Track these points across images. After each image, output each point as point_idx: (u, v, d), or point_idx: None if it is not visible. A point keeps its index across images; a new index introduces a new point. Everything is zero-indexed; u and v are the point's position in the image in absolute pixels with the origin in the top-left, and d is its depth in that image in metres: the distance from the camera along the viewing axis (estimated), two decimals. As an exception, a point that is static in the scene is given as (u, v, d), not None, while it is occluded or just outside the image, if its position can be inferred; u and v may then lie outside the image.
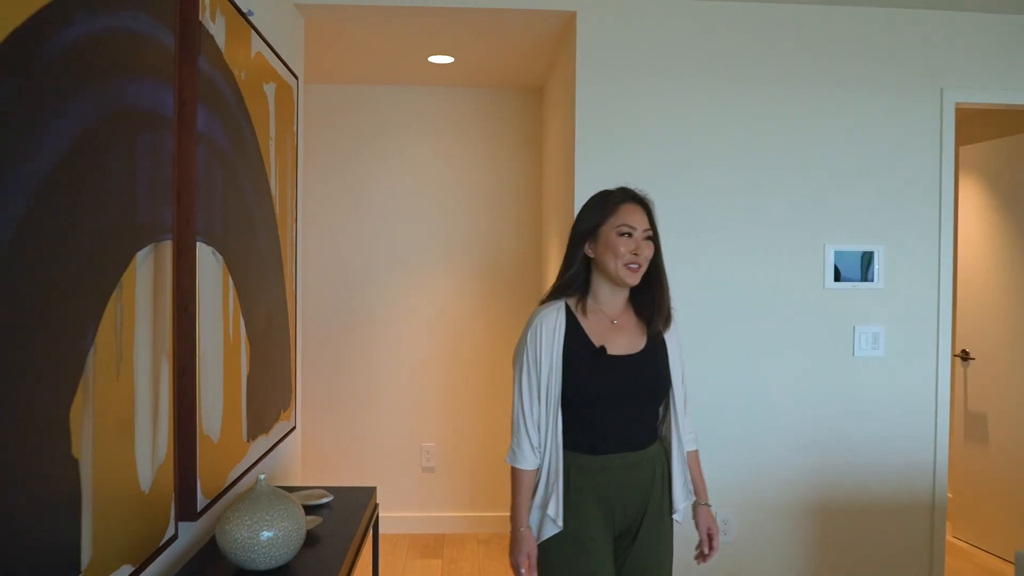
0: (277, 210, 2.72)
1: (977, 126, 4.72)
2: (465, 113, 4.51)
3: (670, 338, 2.04)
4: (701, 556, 2.09)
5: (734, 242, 3.28)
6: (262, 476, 1.89)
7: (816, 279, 3.30)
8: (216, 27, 2.03)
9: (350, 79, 4.36)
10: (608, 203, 1.95)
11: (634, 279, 1.93)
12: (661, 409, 2.05)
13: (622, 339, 1.97)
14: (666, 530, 2.01)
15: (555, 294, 2.00)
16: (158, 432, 1.71)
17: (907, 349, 3.34)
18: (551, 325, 1.95)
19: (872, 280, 3.30)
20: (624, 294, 2.00)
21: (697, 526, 2.10)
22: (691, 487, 2.08)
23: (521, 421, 1.95)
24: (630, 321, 2.01)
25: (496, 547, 4.34)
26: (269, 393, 2.62)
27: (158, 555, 1.72)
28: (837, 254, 3.30)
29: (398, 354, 4.50)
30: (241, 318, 2.29)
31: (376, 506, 2.57)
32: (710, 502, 2.13)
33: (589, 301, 1.98)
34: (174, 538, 1.81)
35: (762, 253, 3.29)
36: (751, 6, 3.26)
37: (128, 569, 1.57)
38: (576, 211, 3.16)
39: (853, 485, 3.35)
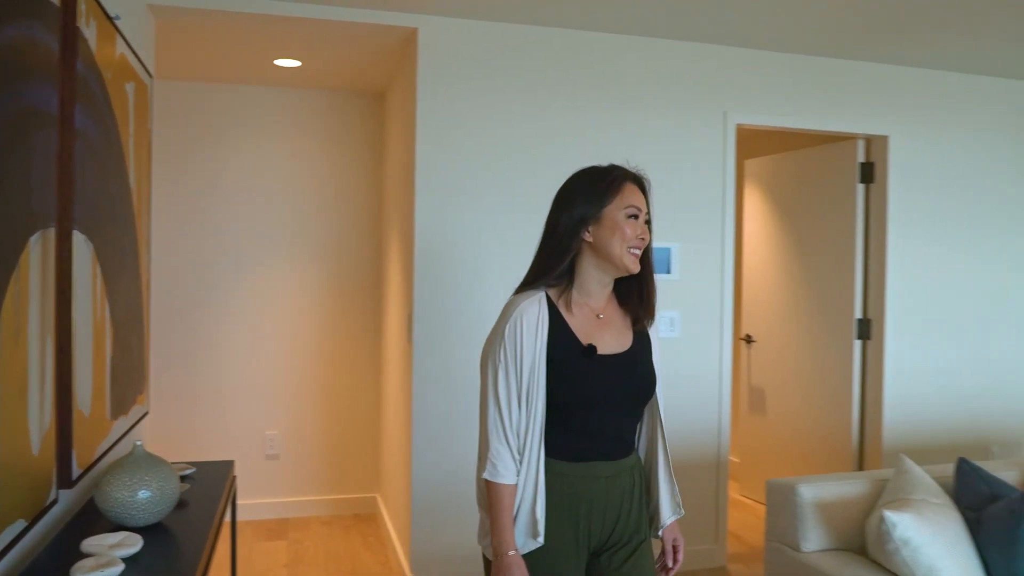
0: (135, 203, 2.86)
1: (761, 142, 5.50)
2: (311, 114, 4.72)
3: (652, 334, 1.88)
4: (665, 570, 1.91)
5: (556, 239, 3.74)
6: (139, 442, 2.09)
7: (625, 272, 3.84)
8: (89, 31, 2.19)
9: (200, 77, 4.45)
10: (612, 182, 1.76)
11: (637, 266, 1.75)
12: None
13: (609, 336, 1.79)
14: (647, 546, 1.84)
15: (534, 283, 1.78)
16: (44, 402, 1.88)
17: (698, 332, 3.95)
18: (533, 318, 1.72)
19: (670, 272, 3.87)
20: (611, 285, 1.82)
21: (663, 538, 1.91)
22: (678, 499, 1.90)
23: (499, 428, 1.71)
24: (615, 315, 1.83)
25: (338, 527, 4.59)
26: (128, 376, 2.76)
27: (43, 516, 1.89)
28: (642, 250, 3.85)
29: (244, 345, 4.64)
30: (107, 303, 2.44)
31: (234, 477, 2.78)
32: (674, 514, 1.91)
33: (574, 293, 1.77)
34: (55, 502, 1.98)
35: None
36: (568, 32, 3.73)
37: (22, 524, 1.74)
38: (417, 209, 3.52)
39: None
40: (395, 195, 4.22)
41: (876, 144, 4.30)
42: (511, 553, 1.68)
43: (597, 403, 1.74)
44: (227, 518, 3.63)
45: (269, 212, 4.67)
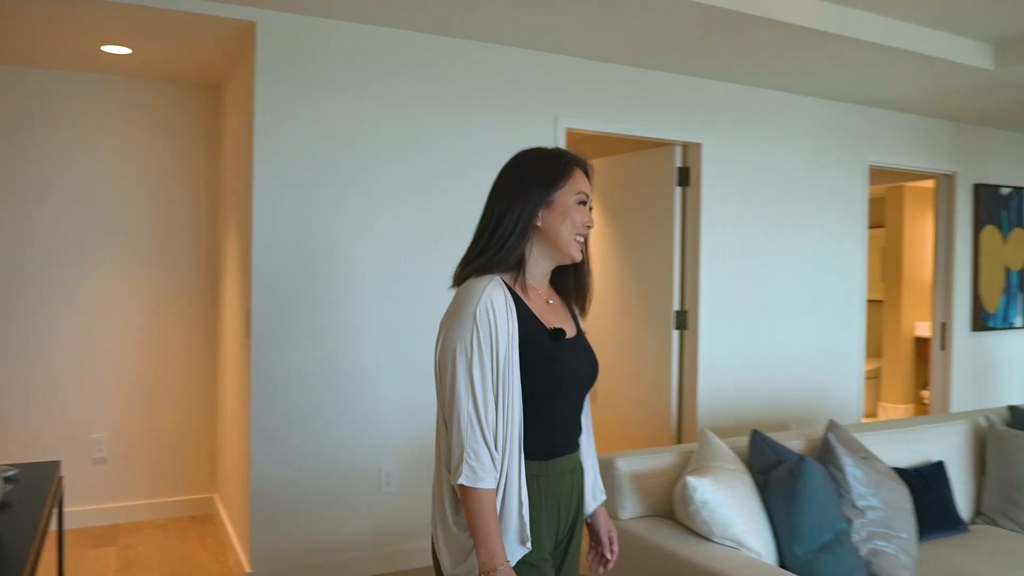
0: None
1: (591, 146, 5.82)
2: (141, 104, 4.54)
3: (581, 323, 1.85)
4: (604, 562, 1.88)
5: (404, 237, 3.84)
6: (-43, 442, 2.01)
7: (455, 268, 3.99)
8: None
9: (10, 60, 4.18)
10: (564, 165, 1.71)
11: (579, 254, 1.71)
12: None
13: (560, 321, 1.73)
14: (580, 536, 1.81)
15: (486, 268, 1.65)
16: None
17: (533, 323, 4.17)
18: (502, 303, 1.59)
19: (506, 268, 4.07)
20: (549, 272, 1.76)
21: (598, 530, 1.89)
22: (600, 484, 1.89)
23: (476, 427, 1.54)
24: (558, 301, 1.79)
25: (174, 530, 4.47)
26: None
27: None
28: (480, 246, 4.02)
29: (68, 344, 4.41)
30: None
31: (61, 478, 2.70)
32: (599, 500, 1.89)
33: (528, 278, 1.70)
34: None
35: (427, 248, 3.89)
36: (406, 34, 3.84)
37: None
38: (255, 206, 3.51)
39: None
40: (233, 190, 4.16)
41: (691, 150, 4.70)
42: (502, 568, 1.51)
43: (562, 390, 1.68)
44: (53, 524, 3.46)
45: (94, 205, 4.46)
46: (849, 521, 2.58)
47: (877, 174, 6.10)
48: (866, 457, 2.79)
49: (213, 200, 4.72)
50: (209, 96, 4.70)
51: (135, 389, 4.58)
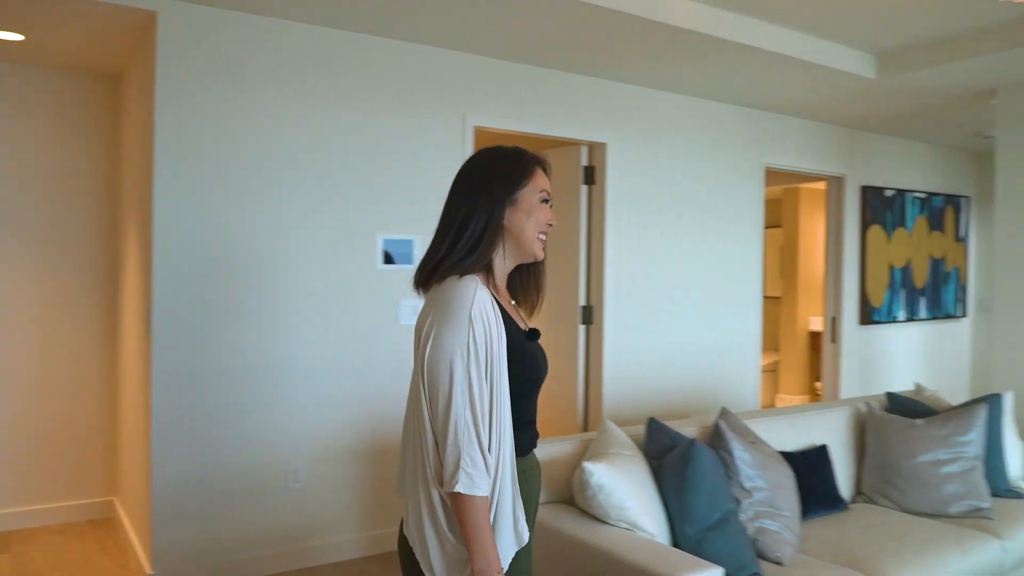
0: None
1: (502, 143, 5.90)
2: (35, 93, 4.37)
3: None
4: None
5: (310, 233, 3.82)
6: None
7: (370, 263, 4.00)
8: None
9: None
10: (526, 163, 1.71)
11: (542, 252, 1.72)
12: None
13: (524, 321, 1.76)
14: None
15: (464, 270, 1.60)
16: None
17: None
18: (490, 302, 1.57)
19: (413, 263, 4.10)
20: (509, 272, 1.75)
21: None
22: None
23: (473, 434, 1.50)
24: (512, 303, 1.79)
25: (71, 535, 4.32)
26: None
27: None
28: (388, 242, 4.04)
29: (-50, 344, 4.21)
30: None
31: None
32: None
33: (496, 278, 1.68)
34: None
35: (325, 241, 3.89)
36: (313, 29, 3.83)
37: None
38: (156, 200, 3.44)
39: (399, 430, 4.11)
40: (133, 184, 4.06)
41: (597, 150, 4.84)
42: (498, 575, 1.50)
43: (536, 388, 1.71)
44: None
45: (-17, 198, 4.27)
46: (737, 502, 2.73)
47: (775, 176, 6.39)
48: (754, 442, 2.96)
49: (112, 194, 4.58)
50: (108, 87, 4.56)
51: (24, 391, 4.40)
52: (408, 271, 4.07)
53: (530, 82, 4.49)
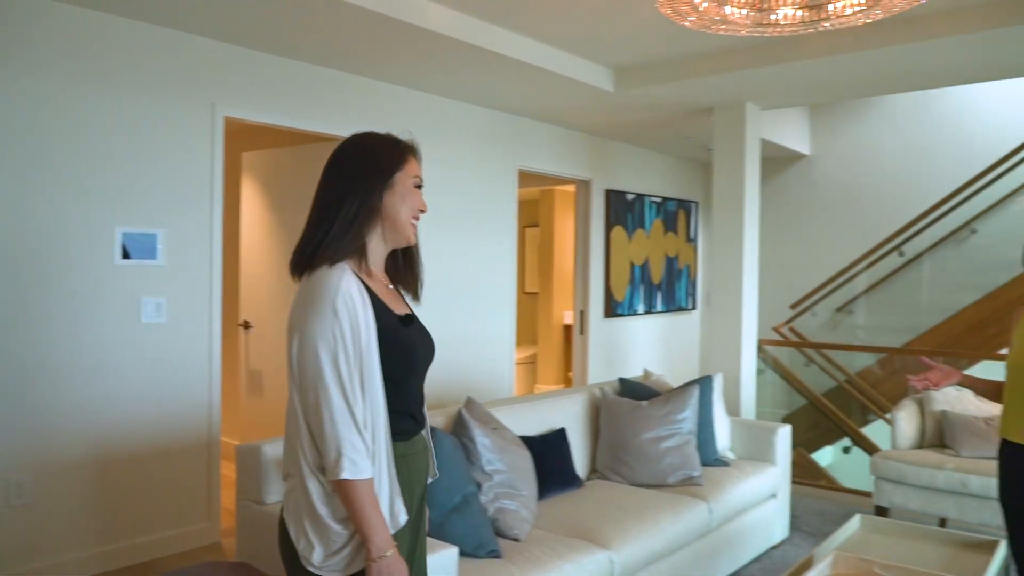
0: None
1: (265, 137, 5.71)
2: None
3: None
4: None
5: (40, 221, 3.48)
6: None
7: (107, 257, 3.73)
8: None
9: None
10: (401, 150, 1.73)
11: (415, 237, 1.76)
12: None
13: (401, 305, 1.77)
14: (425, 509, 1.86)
15: (334, 256, 1.62)
16: None
17: (187, 318, 4.03)
18: (357, 292, 1.59)
19: (156, 258, 3.88)
20: (385, 257, 1.77)
21: None
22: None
23: (349, 419, 1.53)
24: (390, 286, 1.81)
25: None
26: None
27: None
28: (127, 236, 3.78)
29: None
30: None
31: None
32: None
33: (369, 265, 1.70)
34: None
35: (63, 234, 3.56)
36: (53, 5, 3.49)
37: None
38: None
39: (142, 436, 3.88)
40: None
41: (356, 146, 4.84)
42: (391, 552, 1.54)
43: (416, 372, 1.73)
44: None
45: None
46: (478, 485, 2.89)
47: (531, 178, 6.75)
48: (496, 428, 3.14)
49: None
50: None
51: None
52: (150, 267, 3.85)
53: (287, 75, 4.40)
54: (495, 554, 2.70)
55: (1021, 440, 2.40)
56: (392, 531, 1.58)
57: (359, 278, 1.63)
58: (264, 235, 5.29)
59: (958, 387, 4.76)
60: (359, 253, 1.66)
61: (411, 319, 1.75)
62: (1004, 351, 5.85)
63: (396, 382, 1.65)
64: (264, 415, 5.27)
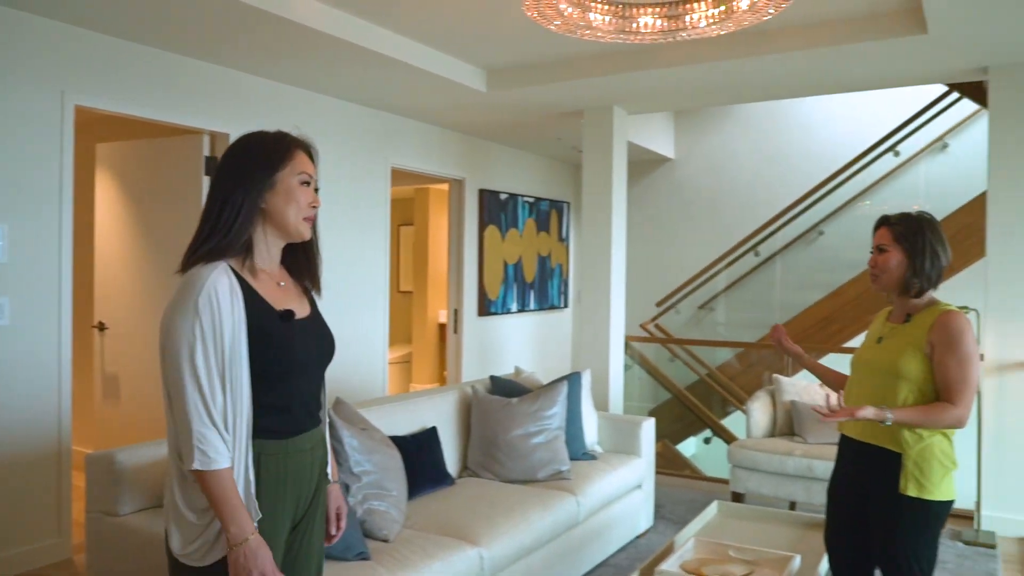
0: None
1: (122, 128, 5.39)
2: None
3: (317, 300, 1.91)
4: (328, 537, 1.93)
5: None
6: None
7: (-63, 254, 3.44)
8: None
9: None
10: (285, 148, 1.74)
11: (309, 232, 1.78)
12: None
13: (293, 302, 1.78)
14: (324, 511, 1.88)
15: (214, 254, 1.66)
16: None
17: (33, 319, 3.76)
18: (226, 288, 1.63)
19: (2, 257, 3.61)
20: (280, 253, 1.80)
21: (327, 504, 1.94)
22: (331, 466, 1.95)
23: (203, 412, 1.57)
24: (290, 283, 1.83)
25: None
26: None
27: None
28: (-39, 231, 3.50)
29: None
30: None
31: None
32: (334, 479, 1.98)
33: (255, 262, 1.72)
34: None
35: None
36: None
37: None
38: None
39: (-19, 446, 3.60)
40: None
41: (220, 140, 4.67)
42: (252, 536, 1.58)
43: (298, 370, 1.73)
44: None
45: None
46: (346, 486, 2.85)
47: (406, 176, 6.70)
48: (365, 428, 3.11)
49: None
50: None
51: None
52: (-13, 264, 3.57)
53: (146, 64, 4.18)
54: (363, 556, 2.68)
55: (853, 434, 2.51)
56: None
57: (239, 276, 1.67)
58: (121, 231, 5.01)
59: (808, 376, 5.11)
60: (244, 251, 1.70)
61: (290, 314, 1.74)
62: (849, 344, 6.36)
63: (271, 379, 1.67)
64: (121, 422, 4.99)
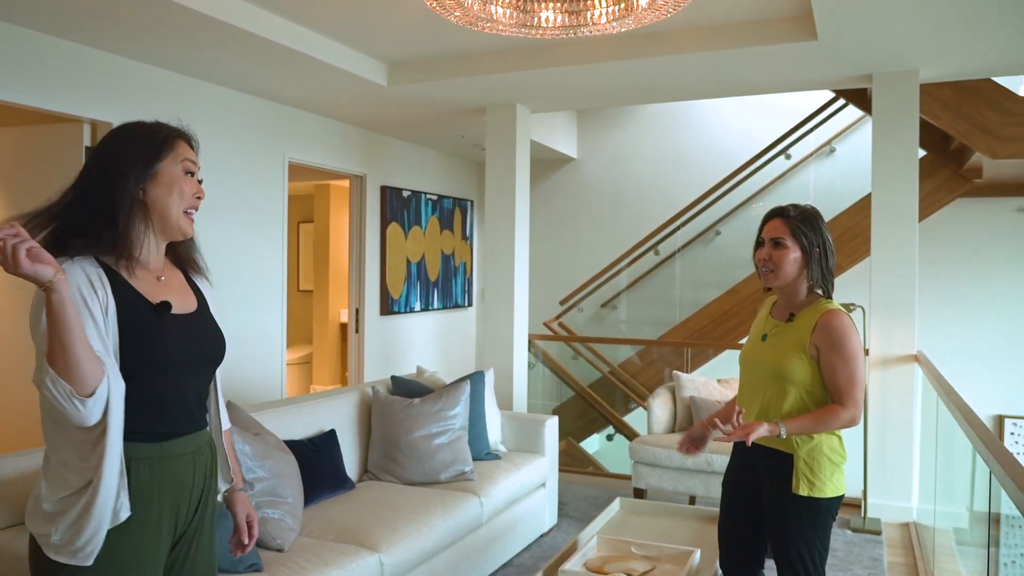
0: None
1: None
2: None
3: (211, 299, 1.82)
4: (240, 547, 1.88)
5: None
6: None
7: None
8: None
9: None
10: (166, 136, 1.66)
11: (192, 229, 1.70)
12: None
13: (173, 297, 1.69)
14: (213, 520, 1.79)
15: (81, 248, 1.57)
16: None
17: None
18: (87, 282, 1.54)
19: None
20: (164, 248, 1.71)
21: (235, 514, 1.88)
22: (231, 468, 1.87)
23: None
24: (176, 278, 1.75)
25: None
26: None
27: None
28: None
29: None
30: None
31: None
32: (239, 485, 1.91)
33: (138, 254, 1.63)
34: None
35: None
36: None
37: None
38: None
39: None
40: None
41: (102, 129, 4.38)
42: (59, 276, 1.39)
43: (173, 366, 1.64)
44: None
45: None
46: (237, 495, 2.70)
47: (305, 172, 6.49)
48: (258, 433, 2.97)
49: None
50: None
51: None
52: None
53: (8, 43, 3.88)
54: (256, 568, 2.55)
55: None
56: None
57: (109, 269, 1.58)
58: (-12, 226, 4.64)
59: (707, 372, 5.21)
60: (119, 245, 1.59)
61: (166, 307, 1.65)
62: (744, 340, 6.56)
63: (145, 375, 1.58)
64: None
